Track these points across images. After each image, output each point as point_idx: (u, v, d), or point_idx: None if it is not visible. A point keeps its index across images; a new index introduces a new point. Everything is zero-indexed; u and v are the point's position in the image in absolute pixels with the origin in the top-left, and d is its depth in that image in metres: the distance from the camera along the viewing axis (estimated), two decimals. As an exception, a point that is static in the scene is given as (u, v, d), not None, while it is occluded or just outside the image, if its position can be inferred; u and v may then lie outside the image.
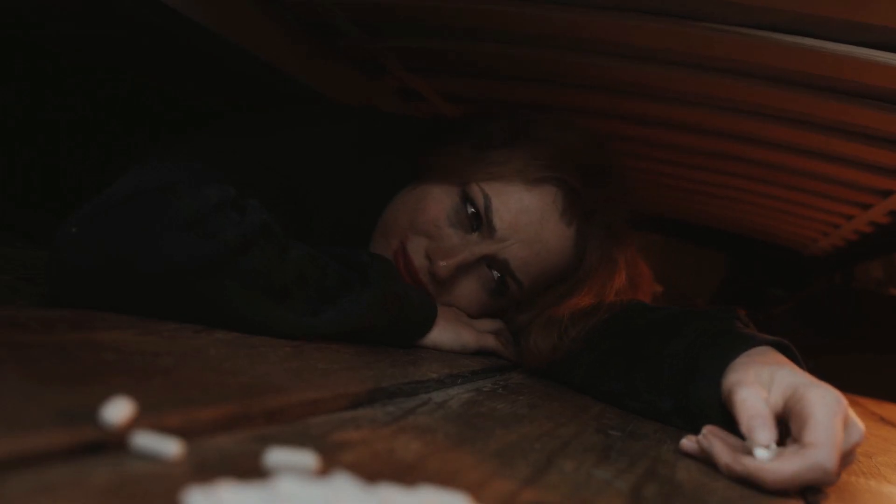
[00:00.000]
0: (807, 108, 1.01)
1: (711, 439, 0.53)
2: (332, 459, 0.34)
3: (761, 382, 0.55)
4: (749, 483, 0.48)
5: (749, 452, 0.50)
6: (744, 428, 0.51)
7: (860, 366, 1.86)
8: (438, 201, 0.82)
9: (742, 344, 0.61)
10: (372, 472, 0.33)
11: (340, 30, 1.04)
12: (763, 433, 0.50)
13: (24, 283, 0.63)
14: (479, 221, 0.82)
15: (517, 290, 0.84)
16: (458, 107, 1.34)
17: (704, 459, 0.53)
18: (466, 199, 0.82)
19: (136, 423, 0.31)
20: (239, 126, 0.86)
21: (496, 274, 0.83)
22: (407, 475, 0.34)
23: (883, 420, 1.25)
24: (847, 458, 0.52)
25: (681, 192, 1.69)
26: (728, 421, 0.58)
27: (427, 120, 0.98)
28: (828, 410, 0.49)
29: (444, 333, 0.80)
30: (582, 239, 0.85)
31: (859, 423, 0.52)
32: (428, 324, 0.78)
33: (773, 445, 0.50)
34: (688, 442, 0.55)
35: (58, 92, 1.00)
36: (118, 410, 0.30)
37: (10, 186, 0.98)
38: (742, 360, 0.59)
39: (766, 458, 0.49)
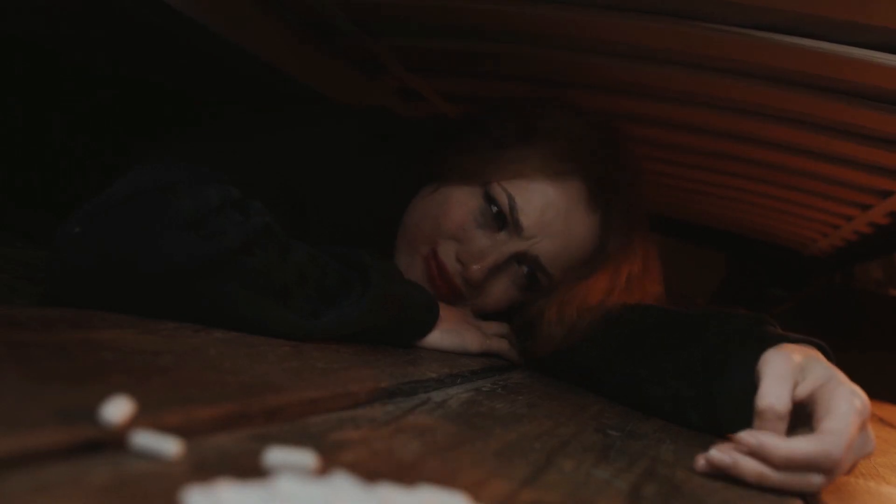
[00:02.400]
0: (807, 108, 1.01)
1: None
2: (331, 459, 0.34)
3: (794, 369, 0.54)
4: (759, 457, 0.48)
5: None
6: (758, 406, 0.51)
7: (860, 366, 1.86)
8: (462, 204, 0.82)
9: (779, 340, 0.61)
10: (371, 472, 0.33)
11: (340, 30, 1.04)
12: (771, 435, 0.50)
13: (24, 282, 0.63)
14: (504, 221, 0.82)
15: (547, 283, 0.85)
16: (458, 107, 1.34)
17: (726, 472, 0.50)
18: (490, 199, 0.82)
19: (136, 422, 0.30)
20: (238, 126, 0.86)
21: (526, 269, 0.84)
22: (406, 475, 0.34)
23: (882, 421, 1.25)
24: (852, 466, 0.52)
25: (681, 192, 1.69)
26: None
27: (428, 120, 0.98)
28: (851, 408, 0.50)
29: (446, 335, 0.80)
30: (605, 224, 0.86)
31: (873, 437, 0.52)
32: (429, 324, 0.78)
33: None
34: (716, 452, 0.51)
35: (58, 92, 1.00)
36: (117, 409, 0.30)
37: (10, 186, 0.98)
38: (781, 349, 0.58)
39: None
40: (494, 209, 0.82)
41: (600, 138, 0.86)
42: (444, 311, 0.81)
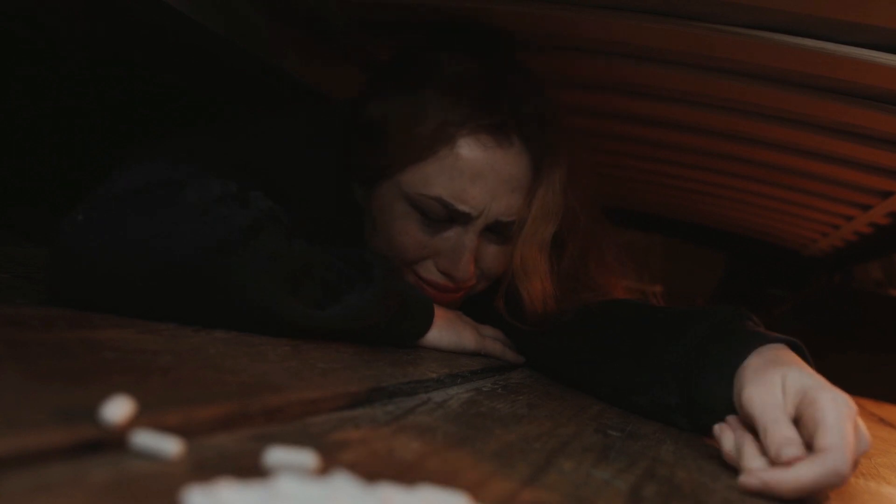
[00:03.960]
0: (807, 109, 1.01)
1: (742, 436, 0.53)
2: (331, 459, 0.34)
3: (776, 389, 0.54)
4: (767, 496, 0.47)
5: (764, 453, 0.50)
6: (772, 452, 0.49)
7: (859, 366, 1.86)
8: (405, 231, 0.81)
9: (753, 342, 0.60)
10: (371, 472, 0.33)
11: (340, 29, 1.04)
12: (790, 449, 0.48)
13: (24, 280, 0.63)
14: (450, 217, 0.81)
15: (519, 224, 0.84)
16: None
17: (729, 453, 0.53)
18: (421, 210, 0.81)
19: (136, 421, 0.30)
20: (216, 129, 0.86)
21: (495, 230, 0.84)
22: (406, 474, 0.34)
23: (882, 421, 1.25)
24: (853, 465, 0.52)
25: (681, 192, 1.69)
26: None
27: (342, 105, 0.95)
28: (839, 414, 0.49)
29: (444, 333, 0.80)
30: (525, 140, 0.83)
31: (866, 432, 0.52)
32: (427, 323, 0.78)
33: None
34: (717, 428, 0.55)
35: (58, 90, 1.00)
36: (117, 409, 0.30)
37: (11, 184, 0.98)
38: (753, 361, 0.58)
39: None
40: (433, 215, 0.81)
41: (474, 78, 0.81)
42: (440, 311, 0.81)
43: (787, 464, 0.47)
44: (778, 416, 0.51)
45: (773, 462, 0.48)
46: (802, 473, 0.47)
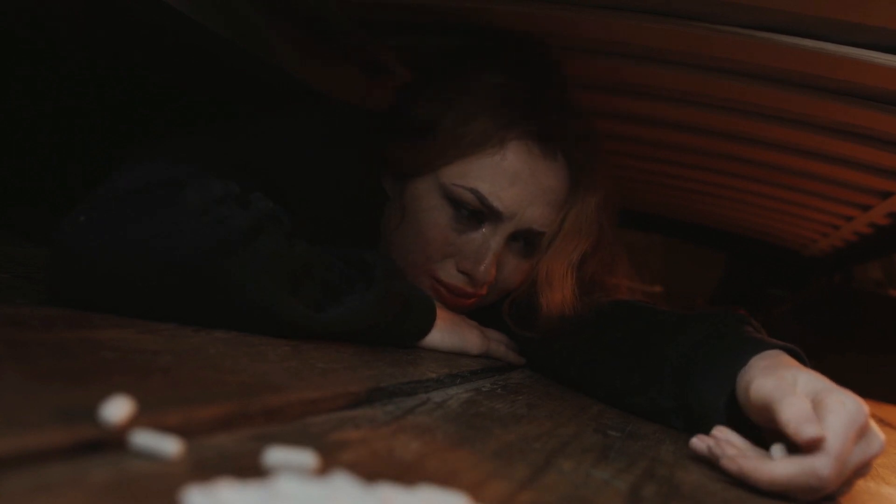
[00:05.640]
0: (806, 109, 1.01)
1: (722, 443, 0.52)
2: (331, 459, 0.34)
3: (787, 382, 0.53)
4: (747, 483, 0.48)
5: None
6: (791, 428, 0.48)
7: (859, 367, 1.86)
8: (435, 224, 0.81)
9: (753, 347, 0.60)
10: (371, 472, 0.33)
11: (341, 29, 1.04)
12: (811, 427, 0.47)
13: (24, 280, 0.63)
14: (482, 214, 0.81)
15: (547, 238, 0.85)
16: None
17: (709, 460, 0.52)
18: (455, 203, 0.81)
19: (136, 421, 0.30)
20: (220, 128, 0.86)
21: (523, 240, 0.84)
22: (406, 475, 0.34)
23: (882, 422, 1.25)
24: (863, 469, 0.51)
25: (681, 192, 1.69)
26: (733, 423, 0.58)
27: (369, 111, 0.95)
28: (841, 418, 0.48)
29: (447, 335, 0.80)
30: (568, 157, 0.85)
31: (880, 434, 0.50)
32: (429, 324, 0.78)
33: (784, 448, 0.50)
34: (698, 441, 0.54)
35: (59, 90, 1.00)
36: (117, 409, 0.30)
37: (11, 184, 0.98)
38: (760, 362, 0.58)
39: (779, 455, 0.48)
40: (465, 211, 0.81)
41: (525, 82, 0.83)
42: (442, 312, 0.81)
43: (808, 445, 0.46)
44: (791, 392, 0.50)
45: (793, 438, 0.47)
46: (779, 469, 0.47)
